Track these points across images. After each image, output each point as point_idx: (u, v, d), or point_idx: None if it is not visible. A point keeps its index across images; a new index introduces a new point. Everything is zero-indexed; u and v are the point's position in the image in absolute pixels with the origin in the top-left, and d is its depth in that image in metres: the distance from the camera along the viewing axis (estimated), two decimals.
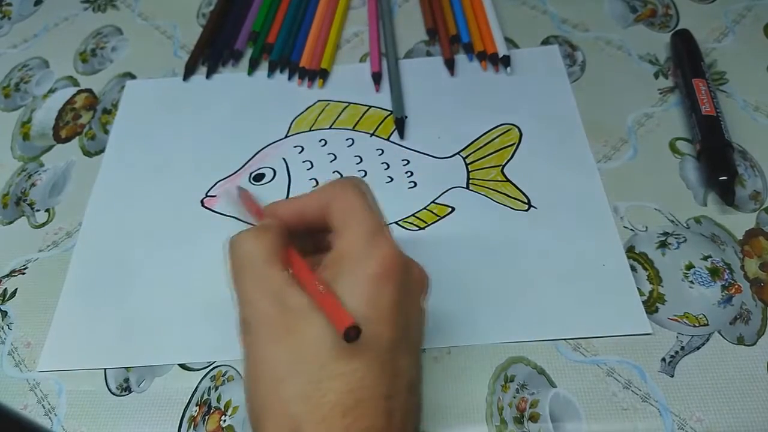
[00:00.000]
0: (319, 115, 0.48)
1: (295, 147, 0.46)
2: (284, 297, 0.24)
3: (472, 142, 0.44)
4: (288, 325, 0.24)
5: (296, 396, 0.23)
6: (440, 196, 0.42)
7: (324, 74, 0.50)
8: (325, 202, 0.27)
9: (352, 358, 0.23)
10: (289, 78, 0.51)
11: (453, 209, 0.41)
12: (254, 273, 0.25)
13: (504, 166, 0.43)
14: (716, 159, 0.40)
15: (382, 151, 0.45)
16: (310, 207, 0.28)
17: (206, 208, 0.43)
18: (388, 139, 0.45)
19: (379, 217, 0.27)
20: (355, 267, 0.25)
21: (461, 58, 0.50)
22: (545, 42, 0.50)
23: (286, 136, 0.47)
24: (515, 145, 0.44)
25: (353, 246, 0.25)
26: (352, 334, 0.23)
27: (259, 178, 0.44)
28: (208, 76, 0.52)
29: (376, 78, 0.49)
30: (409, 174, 0.43)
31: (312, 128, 0.47)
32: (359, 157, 0.44)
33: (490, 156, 0.44)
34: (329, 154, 0.45)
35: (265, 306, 0.24)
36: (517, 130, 0.45)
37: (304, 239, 0.29)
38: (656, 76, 0.47)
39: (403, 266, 0.26)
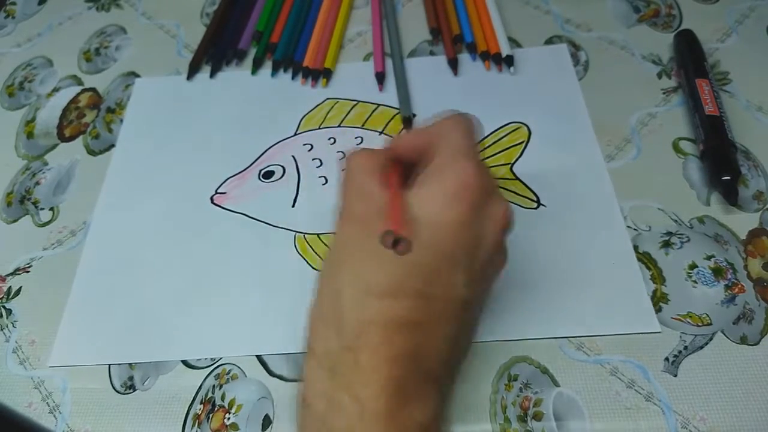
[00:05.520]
0: (328, 113, 0.48)
1: (304, 145, 0.46)
2: (369, 199, 0.28)
3: (481, 140, 0.44)
4: (363, 218, 0.27)
5: (345, 275, 0.26)
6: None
7: (327, 74, 0.50)
8: (435, 134, 0.30)
9: (404, 255, 0.26)
10: (293, 77, 0.51)
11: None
12: (353, 179, 0.29)
13: (513, 164, 0.43)
14: (719, 159, 0.40)
15: None
16: (421, 140, 0.30)
17: (216, 205, 0.43)
18: None
19: (473, 146, 0.29)
20: (434, 181, 0.27)
21: (464, 58, 0.50)
22: (548, 42, 0.50)
23: (295, 134, 0.47)
24: (524, 144, 0.44)
25: (439, 163, 0.28)
26: (400, 249, 0.25)
27: (268, 175, 0.44)
28: (212, 75, 0.52)
29: (380, 78, 0.49)
30: None
31: (321, 126, 0.47)
32: None
33: (498, 154, 0.44)
34: (338, 152, 0.45)
35: (354, 204, 0.28)
36: (525, 128, 0.45)
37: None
38: (659, 76, 0.47)
39: (481, 191, 0.27)
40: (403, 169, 0.30)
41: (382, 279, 0.25)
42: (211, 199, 0.44)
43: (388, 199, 0.27)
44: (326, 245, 0.40)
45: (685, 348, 0.34)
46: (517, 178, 0.42)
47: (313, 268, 0.39)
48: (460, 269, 0.26)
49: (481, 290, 0.28)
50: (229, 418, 0.34)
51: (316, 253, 0.40)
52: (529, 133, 0.44)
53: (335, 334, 0.25)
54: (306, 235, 0.41)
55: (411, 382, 0.24)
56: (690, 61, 0.45)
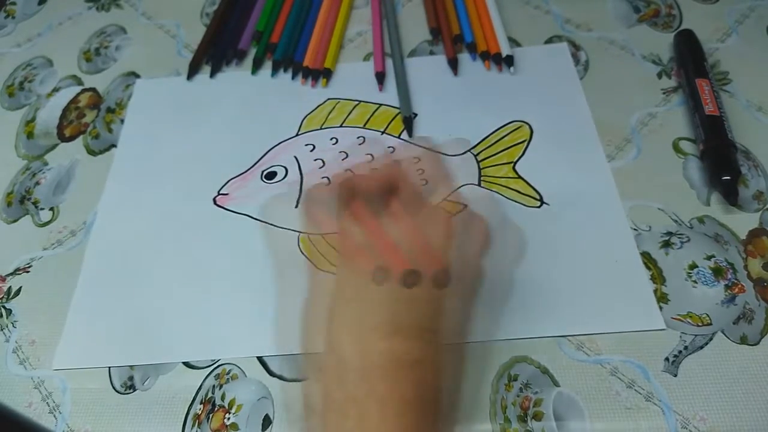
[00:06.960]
0: (329, 114, 0.48)
1: (306, 145, 0.46)
2: (346, 235, 0.27)
3: (483, 139, 0.44)
4: (347, 256, 0.26)
5: (341, 318, 0.25)
6: (452, 193, 0.42)
7: (327, 73, 0.50)
8: (394, 176, 0.29)
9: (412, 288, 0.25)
10: (293, 77, 0.51)
11: (465, 206, 0.41)
12: (316, 215, 0.29)
13: (515, 162, 0.43)
14: (719, 159, 0.40)
15: (394, 149, 0.45)
16: (382, 180, 0.29)
17: (218, 206, 0.43)
18: (399, 137, 0.45)
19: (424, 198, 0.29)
20: (410, 215, 0.27)
21: (464, 58, 0.50)
22: (548, 42, 0.50)
23: (297, 134, 0.47)
24: (526, 142, 0.44)
25: (414, 193, 0.27)
26: (409, 281, 0.24)
27: (271, 176, 0.44)
28: (212, 75, 0.52)
29: (380, 78, 0.49)
30: (420, 171, 0.43)
31: (323, 126, 0.47)
32: (371, 155, 0.45)
33: (501, 153, 0.44)
34: (341, 152, 0.45)
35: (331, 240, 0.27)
36: (527, 127, 0.45)
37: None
38: (659, 76, 0.47)
39: (462, 215, 0.27)
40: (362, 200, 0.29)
41: (384, 318, 0.24)
42: (214, 200, 0.44)
43: (371, 234, 0.26)
44: (330, 246, 0.40)
45: (685, 348, 0.34)
46: (520, 177, 0.42)
47: (317, 268, 0.39)
48: (455, 295, 0.26)
49: (471, 313, 0.28)
50: (229, 418, 0.34)
51: (320, 253, 0.40)
52: (531, 132, 0.45)
53: (337, 386, 0.24)
54: (310, 236, 0.41)
55: (419, 426, 0.23)
56: (690, 61, 0.45)
